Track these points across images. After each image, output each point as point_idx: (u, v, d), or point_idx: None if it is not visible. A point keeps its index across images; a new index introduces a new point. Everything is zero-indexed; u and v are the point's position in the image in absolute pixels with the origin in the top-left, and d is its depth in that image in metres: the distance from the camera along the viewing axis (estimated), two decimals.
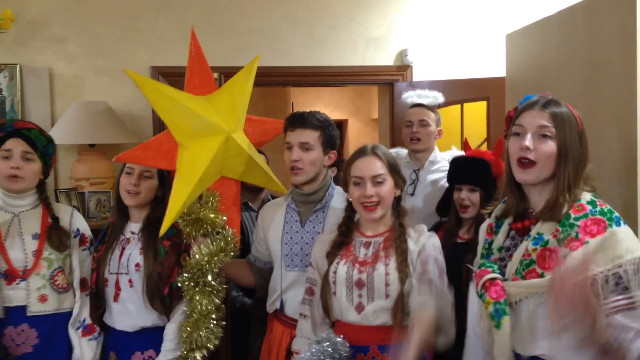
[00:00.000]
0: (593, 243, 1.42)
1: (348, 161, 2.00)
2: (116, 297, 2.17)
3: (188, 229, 2.07)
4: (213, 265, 2.05)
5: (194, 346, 2.02)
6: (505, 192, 1.64)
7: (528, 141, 1.51)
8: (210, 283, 2.05)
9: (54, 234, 2.23)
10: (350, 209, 2.03)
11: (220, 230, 2.10)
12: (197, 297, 2.03)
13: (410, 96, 3.17)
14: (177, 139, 2.03)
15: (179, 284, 2.07)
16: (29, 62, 3.59)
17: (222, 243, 2.08)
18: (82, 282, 2.29)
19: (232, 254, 2.13)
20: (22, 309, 2.16)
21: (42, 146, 2.24)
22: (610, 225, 1.44)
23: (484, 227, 1.75)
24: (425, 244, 1.93)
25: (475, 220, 2.44)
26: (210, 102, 2.10)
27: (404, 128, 3.09)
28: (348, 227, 2.02)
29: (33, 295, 2.17)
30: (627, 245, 1.41)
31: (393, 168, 1.96)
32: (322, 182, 2.27)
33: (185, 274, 2.04)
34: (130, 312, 2.16)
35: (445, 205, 2.60)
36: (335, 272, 1.94)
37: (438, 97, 3.12)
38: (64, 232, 2.26)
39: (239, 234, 2.20)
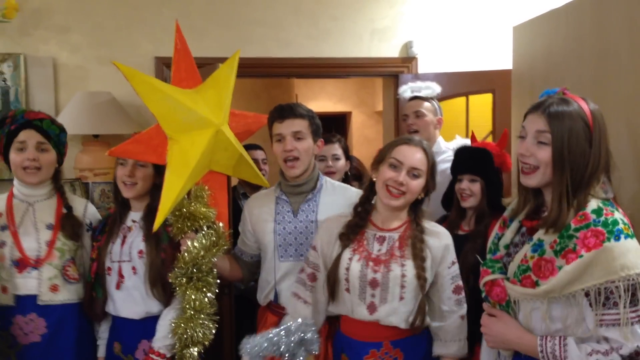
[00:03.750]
0: (587, 257, 1.41)
1: (392, 143, 1.97)
2: (119, 285, 2.18)
3: (179, 225, 2.05)
4: (207, 261, 2.04)
5: (190, 342, 2.01)
6: (519, 191, 1.63)
7: (525, 148, 1.52)
8: (205, 278, 2.04)
9: (67, 223, 2.26)
10: (370, 190, 1.98)
11: (210, 224, 2.09)
12: (189, 293, 2.02)
13: (405, 90, 3.17)
14: (166, 132, 2.02)
15: (171, 280, 2.05)
16: (32, 51, 3.58)
17: (214, 237, 2.07)
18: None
19: (225, 247, 2.13)
20: (32, 298, 2.18)
21: (54, 135, 2.25)
22: (609, 240, 1.41)
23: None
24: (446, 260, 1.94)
25: (476, 211, 2.43)
26: (199, 95, 2.09)
27: (402, 123, 3.10)
28: (365, 209, 1.98)
29: (45, 285, 2.19)
30: (624, 262, 1.39)
31: (432, 170, 1.94)
32: (312, 172, 2.26)
33: (179, 270, 2.03)
34: (135, 299, 2.17)
35: (450, 198, 2.58)
36: (348, 269, 1.89)
37: (434, 88, 3.10)
38: (77, 222, 2.29)
39: (227, 228, 2.19)
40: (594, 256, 1.41)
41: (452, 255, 1.95)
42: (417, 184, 1.90)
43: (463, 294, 1.96)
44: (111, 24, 3.68)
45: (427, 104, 3.03)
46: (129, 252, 2.18)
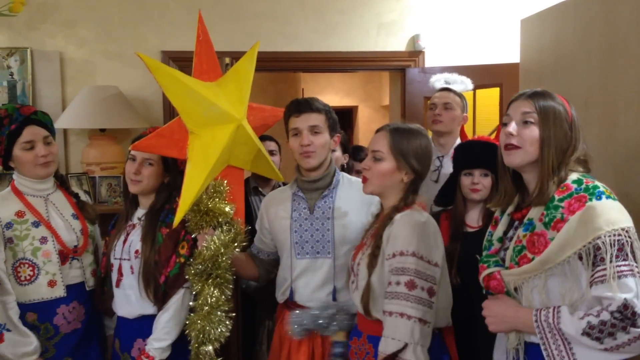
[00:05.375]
0: (572, 220, 1.46)
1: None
2: (118, 283, 2.19)
3: (196, 220, 2.04)
4: (226, 257, 2.03)
5: (206, 340, 2.00)
6: (501, 182, 1.70)
7: (511, 127, 1.59)
8: (223, 275, 2.03)
9: (85, 208, 2.32)
10: None
11: (229, 220, 2.08)
12: (207, 290, 2.01)
13: (438, 80, 3.13)
14: (188, 126, 2.00)
15: (188, 277, 2.05)
16: (39, 45, 3.59)
17: (232, 234, 2.06)
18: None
19: (243, 244, 2.12)
20: (75, 286, 2.23)
21: (51, 125, 2.26)
22: (590, 199, 1.46)
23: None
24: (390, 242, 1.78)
25: (486, 206, 2.39)
26: (220, 88, 2.08)
27: (427, 111, 3.08)
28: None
29: (87, 271, 2.27)
30: (607, 217, 1.43)
31: (401, 153, 1.87)
32: (328, 167, 2.24)
33: (198, 267, 2.01)
34: (130, 298, 2.16)
35: (449, 194, 2.50)
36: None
37: (467, 84, 3.09)
38: (90, 205, 2.36)
39: (244, 224, 2.18)
40: (579, 217, 1.45)
41: (395, 245, 1.77)
42: (379, 167, 1.89)
43: (399, 289, 1.74)
44: (118, 18, 3.69)
45: (457, 99, 3.01)
46: (128, 250, 2.18)
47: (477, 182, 2.37)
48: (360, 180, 2.34)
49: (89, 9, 3.66)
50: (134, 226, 2.22)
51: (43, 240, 2.16)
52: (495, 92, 3.86)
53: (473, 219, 2.43)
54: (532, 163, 1.58)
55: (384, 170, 1.89)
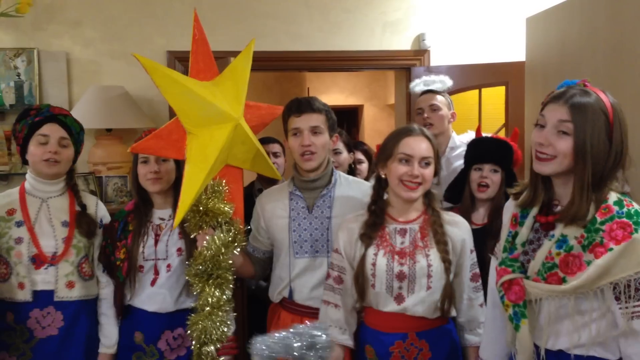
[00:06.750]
0: (617, 250, 1.40)
1: (394, 137, 1.97)
2: (154, 282, 2.22)
3: (195, 221, 2.05)
4: (227, 257, 2.04)
5: (208, 340, 2.01)
6: (530, 181, 1.61)
7: (544, 137, 1.49)
8: (224, 275, 2.04)
9: (83, 221, 2.27)
10: (379, 187, 2.00)
11: (229, 220, 2.09)
12: (208, 290, 2.02)
13: (417, 84, 3.16)
14: (185, 127, 2.01)
15: (187, 277, 2.06)
16: (46, 46, 3.61)
17: (232, 234, 2.07)
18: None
19: (243, 244, 2.13)
20: (49, 293, 2.19)
21: (76, 132, 2.27)
22: (637, 231, 1.41)
23: (508, 206, 1.71)
24: (465, 246, 1.96)
25: (492, 204, 2.39)
26: (217, 87, 2.08)
27: (416, 117, 3.08)
28: (379, 206, 1.99)
29: (61, 282, 2.20)
30: None
31: (437, 153, 1.96)
32: (327, 167, 2.24)
33: (199, 267, 2.02)
34: (165, 296, 2.21)
35: (458, 189, 2.51)
36: (374, 265, 1.91)
37: (446, 81, 3.09)
38: (92, 220, 2.30)
39: (243, 223, 2.18)
40: (624, 248, 1.40)
41: (470, 245, 1.98)
42: (430, 171, 1.93)
43: (480, 281, 1.99)
44: (123, 18, 3.70)
45: (441, 98, 3.02)
46: (165, 250, 2.22)
47: (486, 177, 2.37)
48: (357, 179, 2.37)
49: (95, 10, 3.67)
50: (160, 227, 2.26)
51: (18, 240, 2.18)
52: (500, 90, 3.85)
53: (479, 216, 2.43)
54: (565, 172, 1.50)
55: (432, 175, 1.95)
